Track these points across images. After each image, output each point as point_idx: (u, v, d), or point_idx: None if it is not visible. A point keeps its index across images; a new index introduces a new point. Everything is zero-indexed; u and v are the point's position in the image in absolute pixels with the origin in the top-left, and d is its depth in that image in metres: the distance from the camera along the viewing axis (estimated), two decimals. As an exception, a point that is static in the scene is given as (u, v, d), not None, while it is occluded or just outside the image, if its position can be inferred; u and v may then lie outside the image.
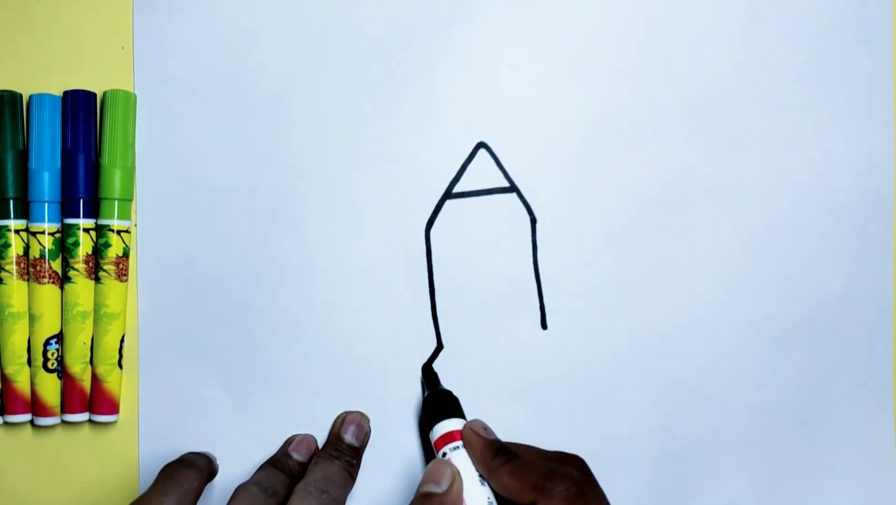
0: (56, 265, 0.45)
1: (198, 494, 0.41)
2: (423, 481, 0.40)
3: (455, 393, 0.44)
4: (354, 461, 0.44)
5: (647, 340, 0.46)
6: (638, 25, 0.46)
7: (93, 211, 0.45)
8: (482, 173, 0.46)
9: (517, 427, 0.46)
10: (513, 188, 0.46)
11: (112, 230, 0.45)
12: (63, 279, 0.45)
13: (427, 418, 0.44)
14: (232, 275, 0.46)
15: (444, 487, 0.40)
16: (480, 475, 0.41)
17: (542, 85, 0.46)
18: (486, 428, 0.42)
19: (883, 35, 0.47)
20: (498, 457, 0.41)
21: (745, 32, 0.46)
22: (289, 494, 0.41)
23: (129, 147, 0.45)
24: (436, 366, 0.46)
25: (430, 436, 0.43)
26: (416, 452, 0.46)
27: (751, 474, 0.46)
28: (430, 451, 0.45)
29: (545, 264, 0.46)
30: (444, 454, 0.42)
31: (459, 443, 0.42)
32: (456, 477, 0.40)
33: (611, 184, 0.46)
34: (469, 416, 0.45)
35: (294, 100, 0.46)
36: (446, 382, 0.46)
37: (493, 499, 0.41)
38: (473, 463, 0.41)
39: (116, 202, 0.45)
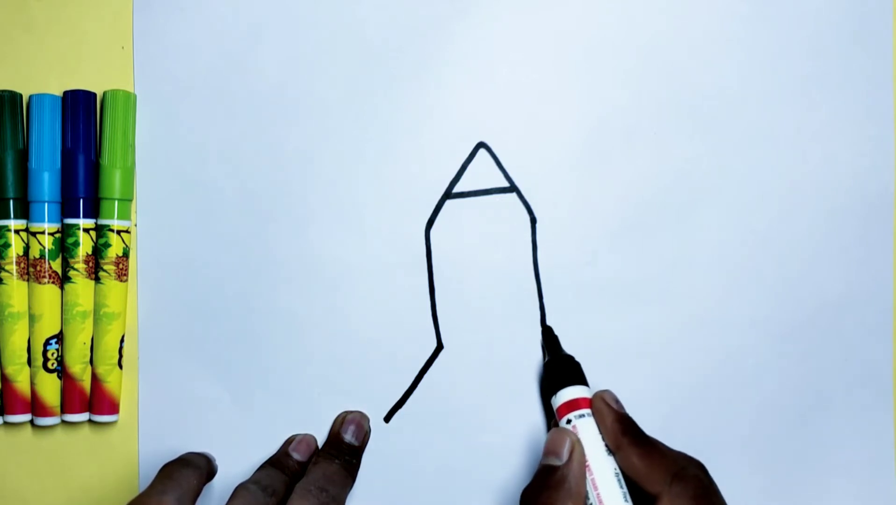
0: (56, 265, 0.45)
1: (197, 493, 0.41)
2: (544, 453, 0.40)
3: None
4: (354, 461, 0.44)
5: (647, 340, 0.46)
6: (638, 25, 0.46)
7: (93, 211, 0.45)
8: (482, 173, 0.46)
9: (517, 428, 0.46)
10: (513, 188, 0.46)
11: (112, 230, 0.45)
12: (63, 279, 0.45)
13: (549, 383, 0.43)
14: (232, 275, 0.46)
15: (563, 458, 0.39)
16: (607, 446, 0.41)
17: (542, 85, 0.46)
18: (617, 401, 0.42)
19: (883, 35, 0.47)
20: (629, 434, 0.40)
21: (746, 33, 0.46)
22: (288, 493, 0.41)
23: (129, 147, 0.45)
24: (435, 366, 0.46)
25: (553, 401, 0.43)
26: (421, 451, 0.46)
27: (750, 474, 0.46)
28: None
29: (545, 264, 0.46)
30: (569, 421, 0.41)
31: (586, 411, 0.41)
32: (576, 446, 0.40)
33: (611, 184, 0.46)
34: (467, 414, 0.45)
35: (294, 100, 0.46)
36: (446, 382, 0.46)
37: (618, 470, 0.40)
38: (601, 433, 0.41)
39: (116, 202, 0.45)
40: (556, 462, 0.39)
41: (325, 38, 0.46)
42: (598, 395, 0.42)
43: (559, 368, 0.43)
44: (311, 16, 0.46)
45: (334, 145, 0.46)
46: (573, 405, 0.42)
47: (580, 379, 0.43)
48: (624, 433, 0.40)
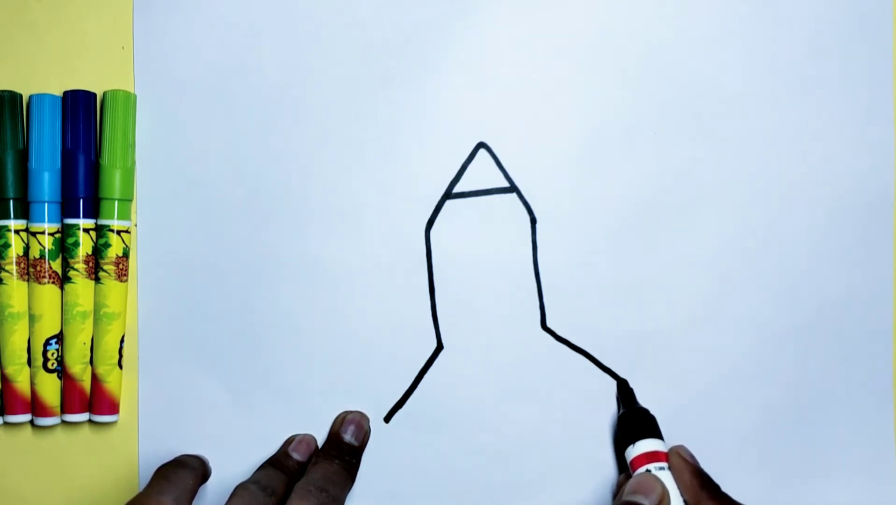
0: (56, 265, 0.45)
1: (193, 493, 0.41)
2: (631, 491, 0.40)
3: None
4: (354, 461, 0.44)
5: (647, 340, 0.46)
6: (638, 25, 0.46)
7: (93, 211, 0.45)
8: (482, 173, 0.46)
9: (517, 428, 0.46)
10: (513, 188, 0.46)
11: (112, 230, 0.45)
12: (63, 279, 0.45)
13: (625, 435, 0.44)
14: (232, 275, 0.46)
15: (652, 501, 0.40)
16: (685, 501, 0.41)
17: (543, 85, 0.46)
18: (692, 456, 0.43)
19: (883, 35, 0.47)
20: (707, 489, 0.41)
21: (746, 33, 0.46)
22: (288, 493, 0.41)
23: (129, 147, 0.45)
24: (435, 365, 0.46)
25: (628, 452, 0.43)
26: (421, 451, 0.46)
27: (750, 474, 0.46)
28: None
29: (545, 264, 0.46)
30: (648, 472, 0.42)
31: (665, 464, 0.42)
32: (665, 495, 0.40)
33: (611, 184, 0.46)
34: (467, 414, 0.45)
35: (294, 100, 0.46)
36: (446, 382, 0.46)
37: None
38: (679, 488, 0.42)
39: (116, 202, 0.45)
40: (644, 501, 0.40)
41: (325, 38, 0.46)
42: (674, 450, 0.43)
43: (636, 420, 0.44)
44: (311, 16, 0.46)
45: (334, 145, 0.46)
46: (652, 457, 0.42)
47: (657, 432, 0.44)
48: (702, 487, 0.41)
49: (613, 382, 0.46)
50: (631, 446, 0.43)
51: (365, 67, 0.46)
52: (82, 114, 0.45)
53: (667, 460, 0.42)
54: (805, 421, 0.47)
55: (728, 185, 0.46)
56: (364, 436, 0.45)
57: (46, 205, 0.45)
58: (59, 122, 0.45)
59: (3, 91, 0.45)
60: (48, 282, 0.45)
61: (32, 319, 0.45)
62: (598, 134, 0.46)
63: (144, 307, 0.46)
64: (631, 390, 0.45)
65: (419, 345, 0.46)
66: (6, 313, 0.45)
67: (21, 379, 0.45)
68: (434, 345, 0.46)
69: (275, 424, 0.46)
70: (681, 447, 0.43)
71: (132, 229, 0.46)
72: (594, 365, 0.46)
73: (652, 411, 0.45)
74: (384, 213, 0.46)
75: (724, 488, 0.41)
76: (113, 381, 0.45)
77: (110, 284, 0.45)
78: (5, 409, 0.45)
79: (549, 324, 0.46)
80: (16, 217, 0.45)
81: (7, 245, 0.45)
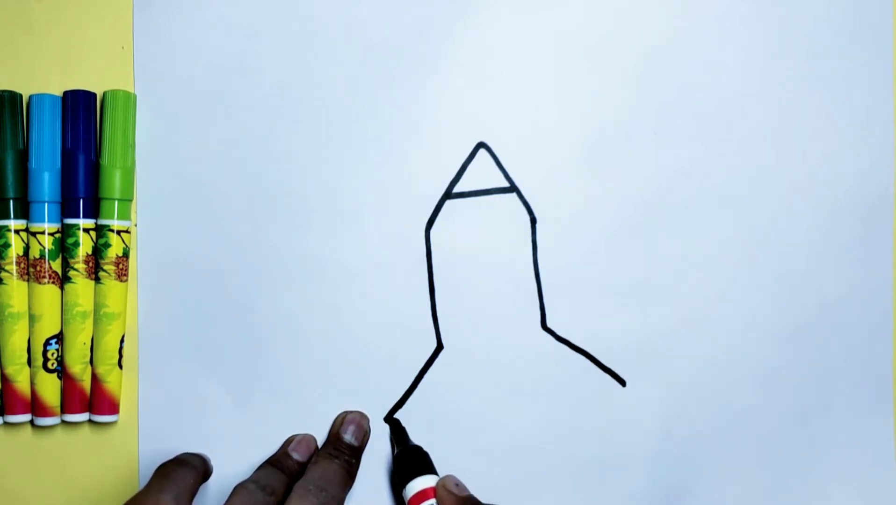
0: (56, 265, 0.45)
1: (193, 492, 0.41)
2: None
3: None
4: (354, 461, 0.44)
5: (647, 340, 0.46)
6: (638, 25, 0.46)
7: (93, 211, 0.45)
8: (482, 173, 0.46)
9: (517, 428, 0.46)
10: (513, 188, 0.46)
11: (112, 230, 0.45)
12: (63, 279, 0.45)
13: (399, 476, 0.44)
14: (232, 275, 0.46)
15: None
16: None
17: (543, 85, 0.46)
18: (458, 484, 0.43)
19: (883, 35, 0.47)
20: None
21: (745, 33, 0.46)
22: (288, 493, 0.41)
23: (129, 147, 0.45)
24: (435, 365, 0.46)
25: (403, 494, 0.43)
26: (416, 452, 0.46)
27: (750, 474, 0.46)
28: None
29: (545, 264, 0.46)
30: None
31: (433, 501, 0.43)
32: None
33: (611, 184, 0.46)
34: (467, 414, 0.45)
35: (294, 100, 0.46)
36: (446, 382, 0.46)
37: None
38: None
39: (116, 202, 0.45)
40: None
41: (325, 38, 0.46)
42: (439, 483, 0.43)
43: (407, 460, 0.44)
44: (311, 16, 0.46)
45: (334, 145, 0.46)
46: (422, 496, 0.43)
47: (429, 468, 0.44)
48: None
49: (614, 383, 0.46)
50: (405, 488, 0.43)
51: (365, 67, 0.46)
52: (82, 114, 0.45)
53: (435, 495, 0.43)
54: (805, 421, 0.47)
55: (728, 185, 0.46)
56: (364, 436, 0.45)
57: (46, 205, 0.45)
58: (59, 122, 0.45)
59: (3, 91, 0.45)
60: (48, 282, 0.45)
61: (32, 319, 0.45)
62: (598, 134, 0.46)
63: (144, 307, 0.46)
64: (403, 429, 0.45)
65: (419, 345, 0.46)
66: (6, 313, 0.45)
67: (21, 379, 0.45)
68: (434, 345, 0.46)
69: (275, 424, 0.46)
70: (446, 478, 0.43)
71: (132, 229, 0.46)
72: (594, 365, 0.46)
73: (650, 410, 0.46)
74: (384, 213, 0.46)
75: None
76: (113, 381, 0.45)
77: (110, 284, 0.45)
78: (5, 409, 0.45)
79: (550, 324, 0.46)
80: (16, 217, 0.45)
81: (7, 245, 0.45)
